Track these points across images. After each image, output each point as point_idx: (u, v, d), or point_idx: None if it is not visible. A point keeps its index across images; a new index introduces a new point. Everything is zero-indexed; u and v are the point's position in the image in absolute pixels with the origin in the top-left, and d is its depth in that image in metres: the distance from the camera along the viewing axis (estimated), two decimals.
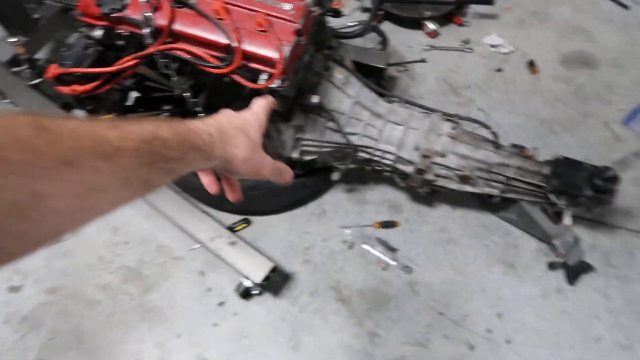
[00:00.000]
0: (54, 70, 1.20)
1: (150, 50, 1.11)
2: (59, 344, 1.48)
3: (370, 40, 2.10)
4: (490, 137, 1.45)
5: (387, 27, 2.14)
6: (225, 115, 0.64)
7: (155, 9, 1.10)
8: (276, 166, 0.70)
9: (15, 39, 1.94)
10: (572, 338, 1.50)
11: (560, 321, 1.52)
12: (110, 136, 0.41)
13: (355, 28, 2.01)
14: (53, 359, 1.46)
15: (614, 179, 1.36)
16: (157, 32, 1.10)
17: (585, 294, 1.56)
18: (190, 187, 1.62)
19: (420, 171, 1.41)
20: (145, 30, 1.09)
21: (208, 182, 0.70)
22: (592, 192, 1.37)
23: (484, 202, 1.65)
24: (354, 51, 1.73)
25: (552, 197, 1.42)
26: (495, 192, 1.45)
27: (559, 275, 1.58)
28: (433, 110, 1.49)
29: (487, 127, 1.45)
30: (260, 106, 0.73)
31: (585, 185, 1.38)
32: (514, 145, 1.49)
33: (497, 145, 1.43)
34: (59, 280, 1.59)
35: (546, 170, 1.42)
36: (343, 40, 1.77)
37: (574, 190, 1.39)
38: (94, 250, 1.64)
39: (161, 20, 1.09)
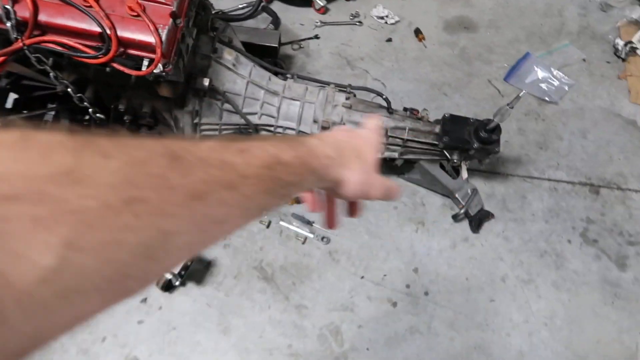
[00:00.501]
0: None
1: (17, 45, 1.05)
2: None
3: (262, 22, 2.12)
4: (384, 103, 1.53)
5: (277, 7, 2.15)
6: (343, 134, 0.60)
7: (16, 0, 1.04)
8: (386, 185, 0.65)
9: None
10: (481, 280, 1.64)
11: (470, 267, 1.65)
12: (236, 163, 0.39)
13: (246, 10, 2.01)
14: None
15: (496, 129, 1.48)
16: (21, 25, 1.05)
17: (488, 239, 1.70)
18: None
19: None
20: (8, 24, 1.03)
21: (311, 201, 0.67)
22: (479, 144, 1.49)
23: (388, 167, 1.73)
24: (245, 32, 1.74)
25: (446, 153, 1.52)
26: (394, 155, 1.53)
27: (464, 226, 1.71)
28: (327, 83, 1.54)
29: (379, 94, 1.52)
30: (376, 125, 0.69)
31: (472, 139, 1.49)
32: (405, 109, 1.58)
33: (390, 111, 1.51)
34: None
35: (437, 129, 1.52)
36: (235, 23, 1.77)
37: (463, 144, 1.50)
38: None
39: (23, 12, 1.04)
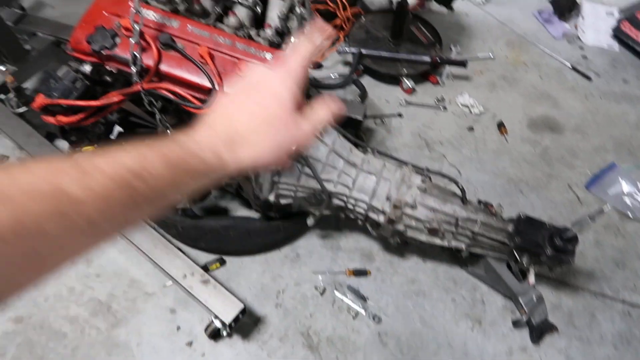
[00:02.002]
0: (41, 100, 1.24)
1: (136, 88, 1.17)
2: None
3: (350, 93, 2.21)
4: (458, 192, 1.52)
5: (366, 81, 2.25)
6: (241, 104, 0.53)
7: (144, 49, 1.16)
8: (314, 127, 0.59)
9: (4, 68, 2.00)
10: None
11: None
12: (67, 187, 0.36)
13: (337, 80, 2.12)
14: None
15: (573, 240, 1.42)
16: (143, 71, 1.16)
17: (548, 354, 1.59)
18: (166, 224, 1.64)
19: (391, 221, 1.46)
20: (133, 69, 1.15)
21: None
22: (553, 252, 1.43)
23: (453, 256, 1.70)
24: None
25: (516, 254, 1.48)
26: (462, 246, 1.50)
27: (524, 334, 1.61)
28: (405, 163, 1.56)
29: (455, 181, 1.52)
30: (298, 55, 0.60)
31: (546, 244, 1.44)
32: (480, 202, 1.57)
33: (464, 201, 1.50)
34: (26, 310, 1.57)
35: (510, 227, 1.48)
36: (324, 91, 1.86)
37: (535, 248, 1.45)
38: (65, 281, 1.63)
39: (148, 61, 1.16)
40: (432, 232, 1.48)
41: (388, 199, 1.47)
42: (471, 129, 2.13)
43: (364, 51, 2.14)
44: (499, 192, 1.93)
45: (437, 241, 1.50)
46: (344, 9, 2.29)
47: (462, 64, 2.17)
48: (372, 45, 2.28)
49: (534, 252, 1.45)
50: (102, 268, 1.67)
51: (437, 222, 1.45)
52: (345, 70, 2.30)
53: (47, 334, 1.53)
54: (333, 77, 2.24)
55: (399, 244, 1.58)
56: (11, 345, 1.51)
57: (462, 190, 1.50)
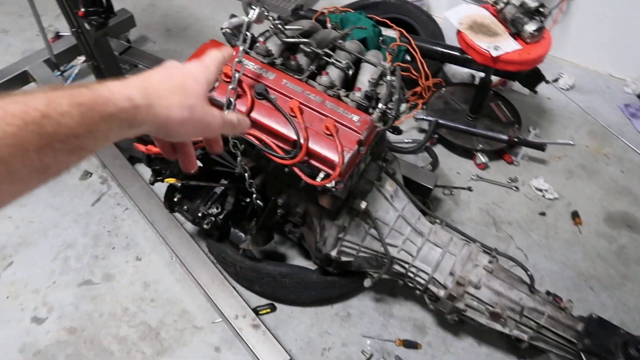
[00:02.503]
0: None
1: None
2: None
3: (421, 159, 2.21)
4: (526, 279, 1.46)
5: (439, 150, 2.24)
6: (159, 71, 0.57)
7: (239, 96, 1.23)
8: (226, 119, 0.63)
9: None
10: None
11: None
12: None
13: (410, 145, 2.13)
14: None
15: None
16: None
17: None
18: (225, 262, 1.67)
19: (451, 297, 1.41)
20: (226, 112, 1.21)
21: (162, 148, 0.65)
22: None
23: (511, 345, 1.60)
24: (405, 166, 1.83)
25: (583, 358, 1.38)
26: (524, 336, 1.42)
27: None
28: (473, 240, 1.52)
29: (524, 268, 1.45)
30: (212, 58, 0.67)
31: (619, 353, 1.33)
32: (549, 293, 1.49)
33: (532, 289, 1.43)
34: (81, 322, 1.62)
35: (580, 327, 1.39)
36: (395, 154, 1.88)
37: (607, 354, 1.34)
38: (121, 301, 1.68)
39: (242, 107, 1.22)
40: (494, 316, 1.41)
41: (452, 274, 1.43)
42: (543, 214, 2.06)
43: (441, 121, 2.16)
44: (567, 285, 1.82)
45: (498, 327, 1.43)
46: (426, 78, 2.34)
47: (541, 147, 2.13)
48: (450, 117, 2.29)
49: (604, 358, 1.34)
50: (158, 294, 1.71)
51: (500, 307, 1.39)
52: (420, 137, 2.32)
53: (96, 349, 1.57)
54: (406, 141, 2.26)
55: (456, 321, 1.52)
56: (61, 355, 1.56)
57: (531, 279, 1.43)
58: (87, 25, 1.80)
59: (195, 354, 1.58)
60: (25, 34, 2.76)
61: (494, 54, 1.72)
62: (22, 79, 2.25)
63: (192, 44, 2.80)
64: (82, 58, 2.37)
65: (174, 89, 0.54)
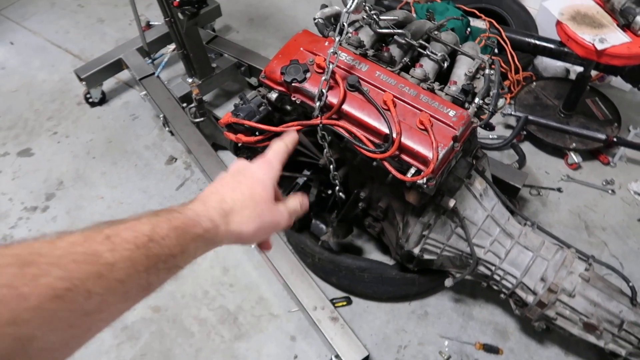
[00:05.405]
0: (227, 117, 1.35)
1: (315, 121, 1.22)
2: None
3: (507, 157, 2.10)
4: (626, 290, 1.35)
5: (526, 147, 2.12)
6: (229, 183, 0.62)
7: (331, 87, 1.21)
8: (291, 210, 0.67)
9: (191, 80, 2.24)
10: None
11: None
12: (101, 252, 0.40)
13: (495, 141, 2.03)
14: None
15: None
16: (325, 107, 1.21)
17: None
18: (304, 252, 1.67)
19: (541, 304, 1.33)
20: (317, 104, 1.20)
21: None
22: None
23: (603, 358, 1.50)
24: (491, 164, 1.74)
25: None
26: (621, 352, 1.32)
27: None
28: (567, 245, 1.43)
29: (626, 279, 1.35)
30: (276, 153, 0.71)
31: None
32: None
33: (634, 302, 1.32)
34: (164, 301, 1.70)
35: None
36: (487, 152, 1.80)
37: None
38: (202, 283, 1.74)
39: (333, 99, 1.20)
40: (589, 327, 1.32)
41: (543, 279, 1.35)
42: None
43: (531, 117, 2.04)
44: None
45: (592, 339, 1.34)
46: (516, 72, 2.22)
47: None
48: (540, 113, 2.16)
49: None
50: (236, 279, 1.75)
51: (596, 318, 1.30)
52: (506, 133, 2.21)
53: (177, 329, 1.64)
54: (491, 137, 2.16)
55: (542, 329, 1.44)
56: (146, 331, 1.63)
57: (633, 290, 1.32)
58: (180, 15, 1.85)
59: (271, 341, 1.60)
60: (119, 23, 2.91)
61: (599, 47, 1.59)
62: (117, 66, 2.37)
63: (274, 33, 2.83)
64: (171, 47, 2.46)
65: (244, 202, 0.60)
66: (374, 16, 1.29)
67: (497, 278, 1.42)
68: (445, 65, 1.30)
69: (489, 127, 1.39)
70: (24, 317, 0.32)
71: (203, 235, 0.52)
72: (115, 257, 0.41)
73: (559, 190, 1.98)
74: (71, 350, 0.39)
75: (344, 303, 1.65)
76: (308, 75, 1.25)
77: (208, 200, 0.58)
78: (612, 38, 1.62)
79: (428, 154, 1.11)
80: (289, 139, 0.75)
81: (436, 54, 1.29)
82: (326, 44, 1.29)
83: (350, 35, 1.31)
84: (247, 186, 0.62)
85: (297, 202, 0.70)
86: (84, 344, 0.41)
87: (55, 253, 0.37)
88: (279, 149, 0.72)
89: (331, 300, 1.60)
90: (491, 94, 1.23)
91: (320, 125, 1.22)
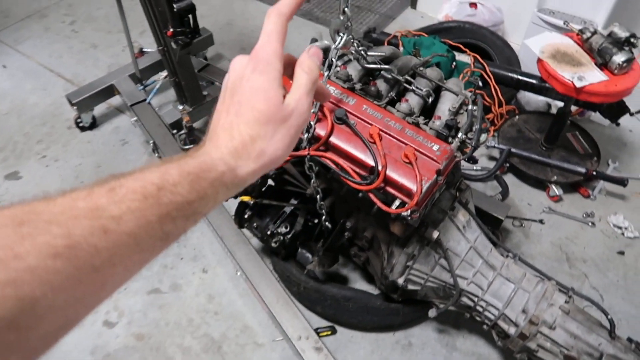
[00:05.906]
0: None
1: (303, 152, 1.24)
2: None
3: (490, 188, 2.15)
4: (605, 323, 1.38)
5: (510, 179, 2.17)
6: (232, 110, 0.52)
7: (319, 119, 1.24)
8: (307, 92, 0.55)
9: (182, 107, 2.27)
10: None
11: None
12: (105, 205, 0.39)
13: (479, 173, 2.07)
14: None
15: None
16: (313, 139, 1.24)
17: None
18: (289, 281, 1.68)
19: (523, 336, 1.35)
20: (305, 135, 1.23)
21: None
22: None
23: None
24: (474, 195, 1.78)
25: None
26: None
27: None
28: (548, 277, 1.46)
29: (604, 312, 1.37)
30: (270, 38, 0.55)
31: None
32: (631, 341, 1.39)
33: (612, 335, 1.34)
34: (148, 329, 1.68)
35: None
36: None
37: None
38: (187, 311, 1.73)
39: (321, 131, 1.23)
40: None
41: (524, 311, 1.37)
42: (622, 253, 1.94)
43: (514, 150, 2.09)
44: None
45: None
46: (500, 105, 2.28)
47: (622, 182, 2.01)
48: (523, 146, 2.22)
49: None
50: (221, 307, 1.75)
51: (577, 351, 1.32)
52: (489, 164, 2.26)
53: (161, 358, 1.62)
54: (475, 169, 2.21)
55: None
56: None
57: (611, 323, 1.35)
58: (173, 44, 1.89)
59: None
60: (112, 49, 2.95)
61: (578, 84, 1.65)
62: (108, 91, 2.39)
63: None
64: (163, 74, 2.50)
65: (252, 130, 0.51)
66: (362, 52, 1.34)
67: (480, 309, 1.44)
68: (430, 100, 1.34)
69: (472, 160, 1.43)
70: (23, 278, 0.32)
71: (220, 178, 0.48)
72: (121, 209, 0.39)
73: (541, 222, 2.02)
74: (88, 307, 0.38)
75: (329, 332, 1.65)
76: None
77: (219, 138, 0.51)
78: (590, 76, 1.69)
79: (412, 186, 1.14)
80: (283, 5, 0.56)
81: (421, 90, 1.33)
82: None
83: (338, 69, 1.36)
84: (249, 107, 0.52)
85: (305, 68, 0.56)
86: (106, 298, 0.40)
87: (54, 210, 0.36)
88: (273, 30, 0.55)
89: (316, 330, 1.61)
90: (474, 129, 1.27)
91: (308, 156, 1.25)
